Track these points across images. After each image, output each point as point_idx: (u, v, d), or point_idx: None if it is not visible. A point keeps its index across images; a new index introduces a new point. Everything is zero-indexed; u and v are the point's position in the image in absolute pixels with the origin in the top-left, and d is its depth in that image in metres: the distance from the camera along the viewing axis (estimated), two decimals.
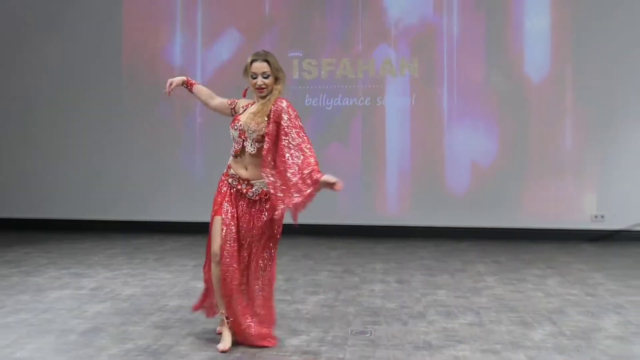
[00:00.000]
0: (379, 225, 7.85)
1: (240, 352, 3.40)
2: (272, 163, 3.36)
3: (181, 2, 8.33)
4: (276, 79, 3.47)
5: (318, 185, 3.22)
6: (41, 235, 7.78)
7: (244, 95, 3.66)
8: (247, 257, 3.51)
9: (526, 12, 7.69)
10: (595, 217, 7.57)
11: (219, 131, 8.15)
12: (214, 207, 3.54)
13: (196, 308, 3.84)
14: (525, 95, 7.70)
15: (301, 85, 7.99)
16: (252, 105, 3.56)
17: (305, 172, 3.25)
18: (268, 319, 3.56)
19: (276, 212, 3.36)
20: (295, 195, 3.25)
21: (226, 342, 3.45)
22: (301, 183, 3.25)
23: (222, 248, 3.45)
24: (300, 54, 8.04)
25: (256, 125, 3.40)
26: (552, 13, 7.67)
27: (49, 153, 8.55)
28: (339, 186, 3.19)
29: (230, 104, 3.64)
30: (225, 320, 3.49)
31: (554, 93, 7.65)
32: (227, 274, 3.44)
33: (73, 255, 6.44)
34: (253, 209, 3.48)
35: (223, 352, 3.40)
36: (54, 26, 8.53)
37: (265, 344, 3.49)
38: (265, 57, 3.45)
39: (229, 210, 3.48)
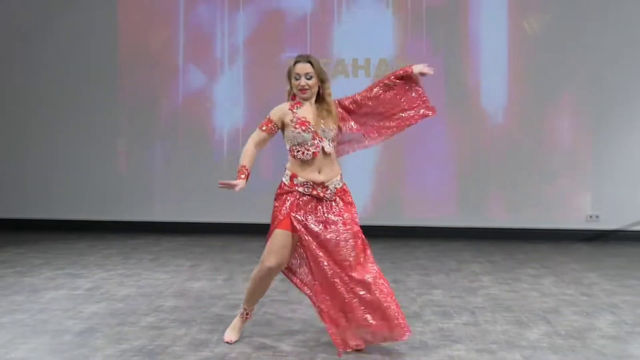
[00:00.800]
0: (374, 225, 7.84)
1: (236, 352, 3.39)
2: (369, 131, 3.57)
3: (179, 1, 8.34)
4: (321, 81, 3.50)
5: (415, 81, 3.53)
6: (35, 235, 7.76)
7: (293, 98, 3.55)
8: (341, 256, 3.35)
9: (517, 16, 7.72)
10: (590, 217, 7.60)
11: (217, 132, 8.22)
12: (275, 219, 3.42)
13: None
14: (520, 96, 7.72)
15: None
16: (298, 105, 3.49)
17: (390, 80, 3.53)
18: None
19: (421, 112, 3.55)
20: (409, 112, 3.54)
21: (236, 333, 3.58)
22: (400, 94, 3.53)
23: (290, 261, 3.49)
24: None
25: (330, 126, 3.45)
26: (543, 15, 7.70)
27: (44, 152, 8.53)
28: (430, 71, 3.49)
29: (270, 129, 3.48)
30: (245, 312, 3.60)
31: (550, 93, 7.67)
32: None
33: (68, 255, 6.42)
34: (332, 208, 3.42)
35: (229, 342, 3.51)
36: (50, 27, 8.51)
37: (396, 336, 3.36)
38: (308, 59, 3.48)
39: (304, 221, 3.37)
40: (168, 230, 8.07)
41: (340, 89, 3.97)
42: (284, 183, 3.48)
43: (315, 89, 3.49)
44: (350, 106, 3.54)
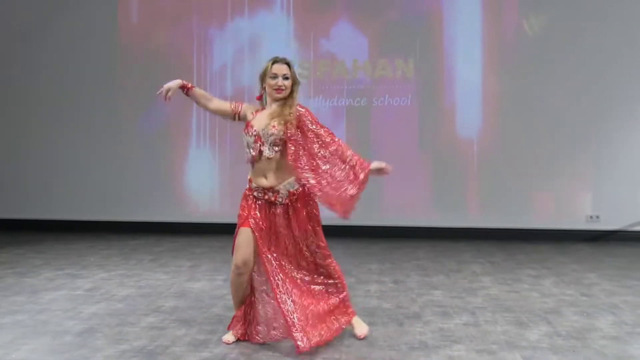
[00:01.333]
0: (374, 225, 7.86)
1: (236, 353, 3.39)
2: (307, 167, 3.41)
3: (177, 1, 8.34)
4: (293, 84, 3.53)
5: (369, 171, 3.38)
6: (35, 236, 7.76)
7: (259, 99, 3.63)
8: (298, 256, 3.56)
9: (517, 16, 7.73)
10: (591, 217, 7.60)
11: (217, 132, 8.22)
12: (239, 219, 3.52)
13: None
14: (520, 96, 7.72)
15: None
16: (262, 110, 3.57)
17: (352, 162, 3.39)
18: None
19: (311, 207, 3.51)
20: (350, 187, 3.38)
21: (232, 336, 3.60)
22: (352, 173, 3.38)
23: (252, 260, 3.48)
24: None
25: (275, 129, 3.42)
26: (543, 15, 7.70)
27: (44, 153, 8.53)
28: (388, 169, 3.40)
29: (234, 109, 3.60)
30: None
31: (550, 93, 7.67)
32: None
33: (68, 256, 6.42)
34: (289, 213, 3.51)
35: (226, 343, 3.54)
36: (50, 27, 8.52)
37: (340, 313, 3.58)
38: (286, 60, 3.54)
39: (262, 222, 3.49)
40: (168, 230, 8.08)
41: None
42: (246, 187, 3.60)
43: (289, 91, 3.51)
44: (309, 134, 3.43)
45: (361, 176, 3.38)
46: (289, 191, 3.49)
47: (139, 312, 4.20)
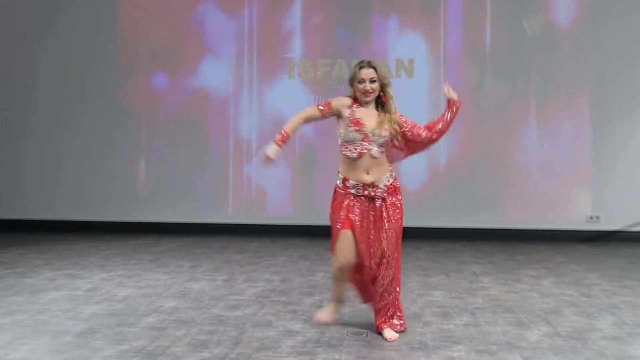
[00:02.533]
0: None
1: (236, 353, 3.39)
2: (403, 159, 3.84)
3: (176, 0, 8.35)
4: (383, 85, 3.71)
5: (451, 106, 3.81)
6: (36, 236, 7.76)
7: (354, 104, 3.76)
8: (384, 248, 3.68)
9: (516, 16, 7.73)
10: (591, 217, 7.60)
11: (217, 132, 8.22)
12: (337, 220, 3.70)
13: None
14: (520, 96, 7.72)
15: (298, 85, 8.01)
16: (358, 105, 3.70)
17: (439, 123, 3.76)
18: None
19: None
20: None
21: (326, 314, 3.90)
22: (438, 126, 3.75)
23: (360, 261, 3.68)
24: (293, 55, 8.04)
25: (387, 132, 3.64)
26: (542, 16, 7.70)
27: (44, 154, 8.54)
28: (456, 99, 3.84)
29: (325, 113, 3.72)
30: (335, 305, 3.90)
31: (550, 93, 7.67)
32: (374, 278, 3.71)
33: (68, 256, 6.42)
34: (381, 205, 3.67)
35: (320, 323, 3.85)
36: (50, 28, 8.52)
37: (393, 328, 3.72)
38: (372, 64, 3.70)
39: (357, 220, 3.67)
40: (168, 231, 8.08)
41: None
42: (338, 186, 3.74)
43: (377, 93, 3.71)
44: (407, 133, 3.71)
45: (447, 117, 3.80)
46: (386, 185, 3.68)
47: (139, 313, 4.20)
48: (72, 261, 6.13)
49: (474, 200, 7.78)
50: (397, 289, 3.76)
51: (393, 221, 3.66)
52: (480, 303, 4.49)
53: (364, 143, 3.62)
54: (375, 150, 3.63)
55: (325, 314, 3.94)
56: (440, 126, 3.74)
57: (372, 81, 3.66)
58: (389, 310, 3.73)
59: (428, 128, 3.73)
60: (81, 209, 8.42)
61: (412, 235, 7.64)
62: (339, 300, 3.93)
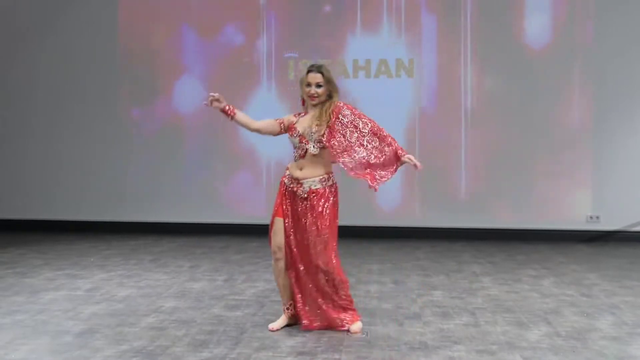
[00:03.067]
0: (374, 225, 7.86)
1: (236, 353, 3.39)
2: (345, 153, 3.72)
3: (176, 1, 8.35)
4: (330, 90, 3.80)
5: (400, 163, 3.75)
6: (36, 236, 7.76)
7: (303, 104, 3.92)
8: (307, 250, 3.76)
9: (526, 14, 7.73)
10: (591, 217, 7.60)
11: (216, 132, 8.22)
12: (274, 208, 3.87)
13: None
14: (520, 98, 7.72)
15: (297, 86, 8.00)
16: (304, 114, 3.88)
17: (387, 151, 3.73)
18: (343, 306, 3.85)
19: (320, 208, 3.72)
20: (381, 172, 3.76)
21: (279, 323, 3.85)
22: (386, 161, 3.74)
23: (284, 244, 3.79)
24: (296, 55, 8.05)
25: (317, 127, 3.72)
26: (548, 12, 7.70)
27: (45, 154, 8.54)
28: (419, 167, 3.68)
29: (281, 122, 3.88)
30: (285, 307, 3.87)
31: (550, 93, 7.67)
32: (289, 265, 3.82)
33: (68, 256, 6.42)
34: (304, 206, 3.76)
35: (271, 330, 3.78)
36: (50, 27, 8.52)
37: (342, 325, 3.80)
38: (319, 69, 3.81)
39: (287, 210, 3.81)
40: (168, 231, 8.07)
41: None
42: (284, 174, 3.90)
43: (324, 97, 3.79)
44: (348, 124, 3.74)
45: (393, 167, 3.77)
46: (310, 188, 3.75)
47: (139, 313, 4.20)
48: (72, 261, 6.14)
49: (474, 200, 7.77)
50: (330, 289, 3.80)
51: (310, 224, 3.71)
52: (480, 303, 4.49)
53: (301, 144, 3.77)
54: (312, 147, 3.74)
55: (277, 322, 3.87)
56: (384, 147, 3.74)
57: (318, 85, 3.76)
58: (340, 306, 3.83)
59: (376, 134, 3.74)
60: (81, 209, 8.42)
61: (412, 235, 7.71)
62: (286, 305, 3.88)
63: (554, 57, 7.64)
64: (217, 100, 3.81)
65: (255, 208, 8.02)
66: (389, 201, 7.87)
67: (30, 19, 8.57)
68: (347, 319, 3.82)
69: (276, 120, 3.90)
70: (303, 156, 3.78)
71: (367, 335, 3.73)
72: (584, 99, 7.62)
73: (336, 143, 3.71)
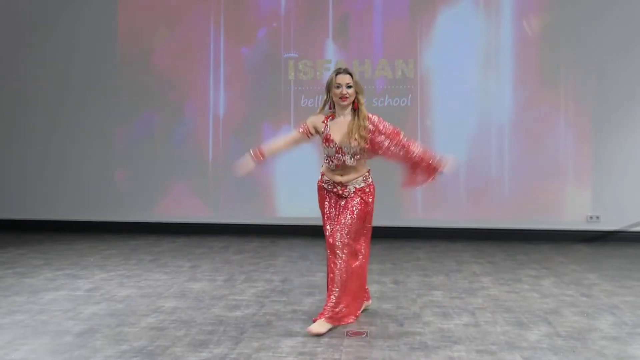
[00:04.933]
0: (374, 226, 7.83)
1: (236, 353, 3.39)
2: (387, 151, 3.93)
3: (176, 1, 8.34)
4: (357, 92, 3.92)
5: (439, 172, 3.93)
6: (36, 236, 7.76)
7: (330, 107, 4.01)
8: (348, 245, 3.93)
9: (516, 17, 7.73)
10: (591, 217, 7.60)
11: (217, 132, 8.22)
12: (322, 214, 4.07)
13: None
14: (520, 96, 7.73)
15: (297, 86, 8.01)
16: (332, 118, 3.96)
17: (415, 159, 3.91)
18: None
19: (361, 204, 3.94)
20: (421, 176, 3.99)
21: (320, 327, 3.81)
22: (426, 169, 3.94)
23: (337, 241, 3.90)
24: (296, 55, 8.05)
25: (356, 143, 3.86)
26: (543, 16, 7.70)
27: (45, 154, 8.54)
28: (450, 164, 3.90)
29: (306, 132, 3.96)
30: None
31: (550, 93, 7.67)
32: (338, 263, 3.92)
33: (68, 256, 6.42)
34: (349, 203, 3.94)
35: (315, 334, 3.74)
36: (50, 28, 8.52)
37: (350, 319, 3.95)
38: (348, 71, 3.94)
39: (332, 212, 3.99)
40: (168, 231, 8.08)
41: None
42: (320, 179, 4.09)
43: (353, 98, 3.92)
44: (380, 137, 3.89)
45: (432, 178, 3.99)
46: (355, 187, 3.97)
47: (139, 313, 4.20)
48: (72, 261, 6.14)
49: (474, 200, 7.78)
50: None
51: (354, 214, 3.91)
52: (480, 303, 4.49)
53: (338, 155, 3.91)
54: (348, 159, 3.91)
55: (317, 327, 3.79)
56: (420, 156, 3.91)
57: (348, 86, 3.88)
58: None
59: (405, 145, 3.89)
60: (81, 209, 8.42)
61: (412, 235, 7.71)
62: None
63: (553, 56, 7.64)
64: (247, 165, 3.93)
65: (255, 208, 8.02)
66: (389, 201, 7.86)
67: (30, 19, 8.57)
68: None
69: (299, 131, 3.97)
70: (339, 166, 3.93)
71: (366, 335, 3.73)
72: (584, 99, 7.61)
73: (371, 154, 3.96)
